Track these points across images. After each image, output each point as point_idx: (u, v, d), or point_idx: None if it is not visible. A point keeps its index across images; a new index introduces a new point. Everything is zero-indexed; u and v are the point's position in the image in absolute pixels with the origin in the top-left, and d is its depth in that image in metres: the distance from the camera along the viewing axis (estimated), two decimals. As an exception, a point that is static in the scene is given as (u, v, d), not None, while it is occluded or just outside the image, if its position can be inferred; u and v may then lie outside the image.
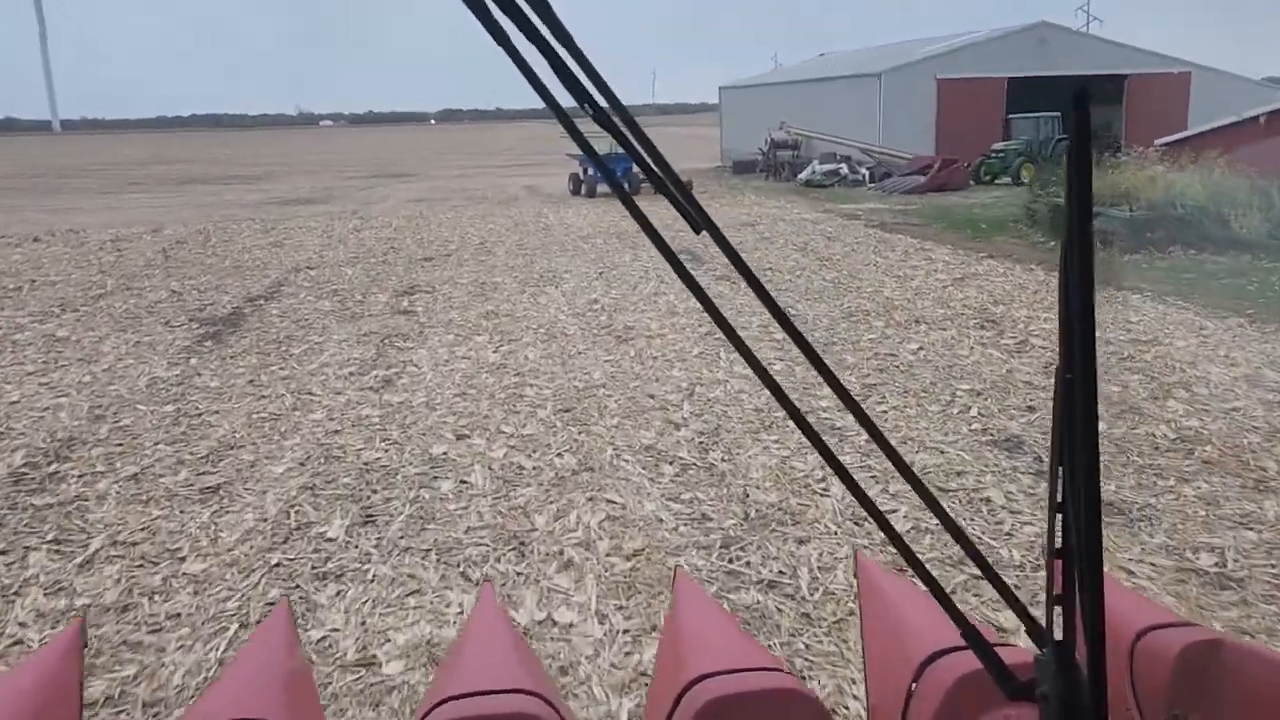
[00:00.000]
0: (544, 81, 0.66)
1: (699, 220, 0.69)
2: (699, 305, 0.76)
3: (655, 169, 0.69)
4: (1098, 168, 21.41)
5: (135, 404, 7.12)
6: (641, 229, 0.74)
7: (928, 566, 0.74)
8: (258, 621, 3.97)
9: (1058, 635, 0.70)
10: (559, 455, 5.78)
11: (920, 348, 8.10)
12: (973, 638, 0.75)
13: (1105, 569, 0.63)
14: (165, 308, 11.01)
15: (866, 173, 24.80)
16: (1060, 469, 0.65)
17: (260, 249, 16.23)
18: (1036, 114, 23.12)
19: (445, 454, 5.87)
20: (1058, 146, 22.54)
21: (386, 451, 5.95)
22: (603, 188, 25.22)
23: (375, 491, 5.33)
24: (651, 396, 6.93)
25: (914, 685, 1.03)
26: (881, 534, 1.34)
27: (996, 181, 22.75)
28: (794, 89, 31.14)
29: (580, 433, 6.19)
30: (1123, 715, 1.03)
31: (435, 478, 5.50)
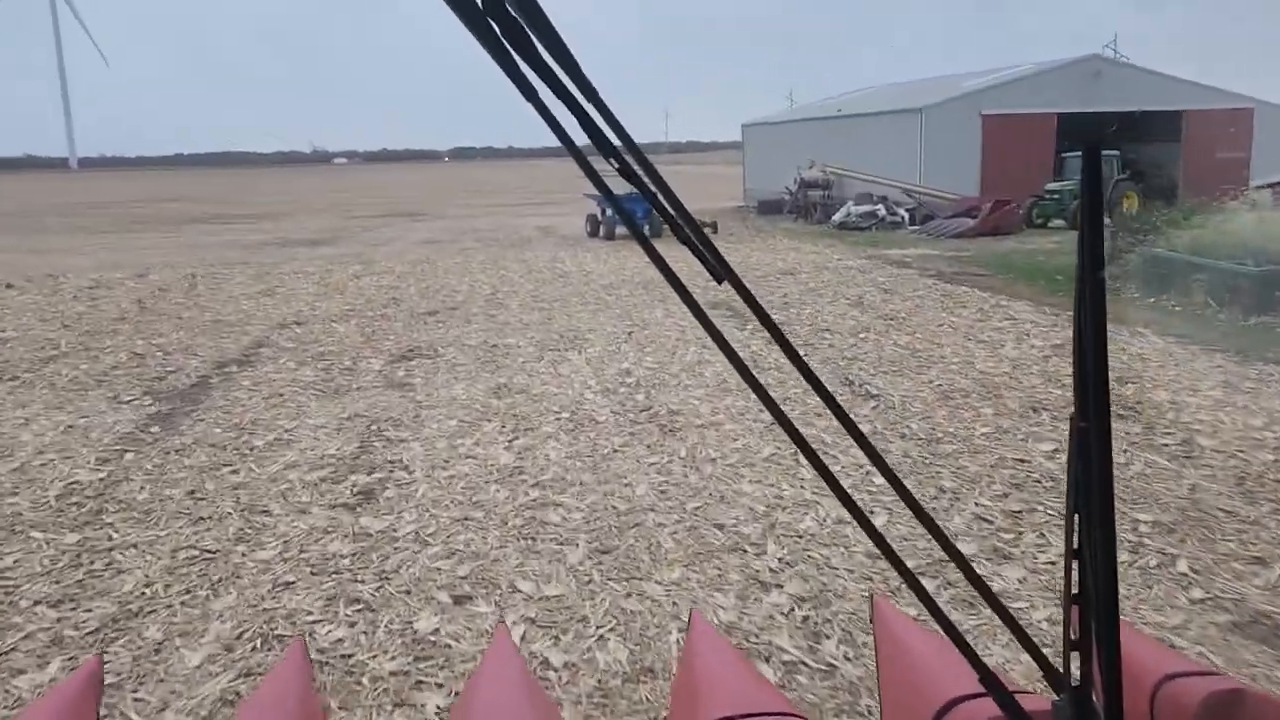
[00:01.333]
0: (563, 126, 0.65)
1: (719, 270, 0.68)
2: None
3: (674, 215, 0.66)
4: (1163, 210, 19.72)
5: (29, 530, 5.36)
6: (663, 276, 0.73)
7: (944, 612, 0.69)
8: None
9: (1074, 681, 0.69)
10: (600, 640, 3.98)
11: (1056, 449, 6.29)
12: (990, 682, 0.72)
13: (1124, 617, 0.79)
14: (120, 376, 9.31)
15: (906, 214, 23.12)
16: (1076, 516, 0.65)
17: (248, 298, 14.57)
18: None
19: (436, 634, 4.08)
20: (1117, 188, 20.84)
21: (353, 627, 4.16)
22: (622, 230, 23.61)
23: (326, 712, 3.54)
24: (719, 528, 5.15)
25: None
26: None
27: (1050, 225, 21.03)
28: (823, 125, 29.54)
29: (628, 594, 4.40)
30: None
31: (418, 684, 3.71)
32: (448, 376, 8.94)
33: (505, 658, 1.37)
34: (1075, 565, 0.68)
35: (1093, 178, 0.58)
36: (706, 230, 20.90)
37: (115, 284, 16.91)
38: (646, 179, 0.67)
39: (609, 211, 23.55)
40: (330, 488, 5.94)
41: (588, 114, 0.63)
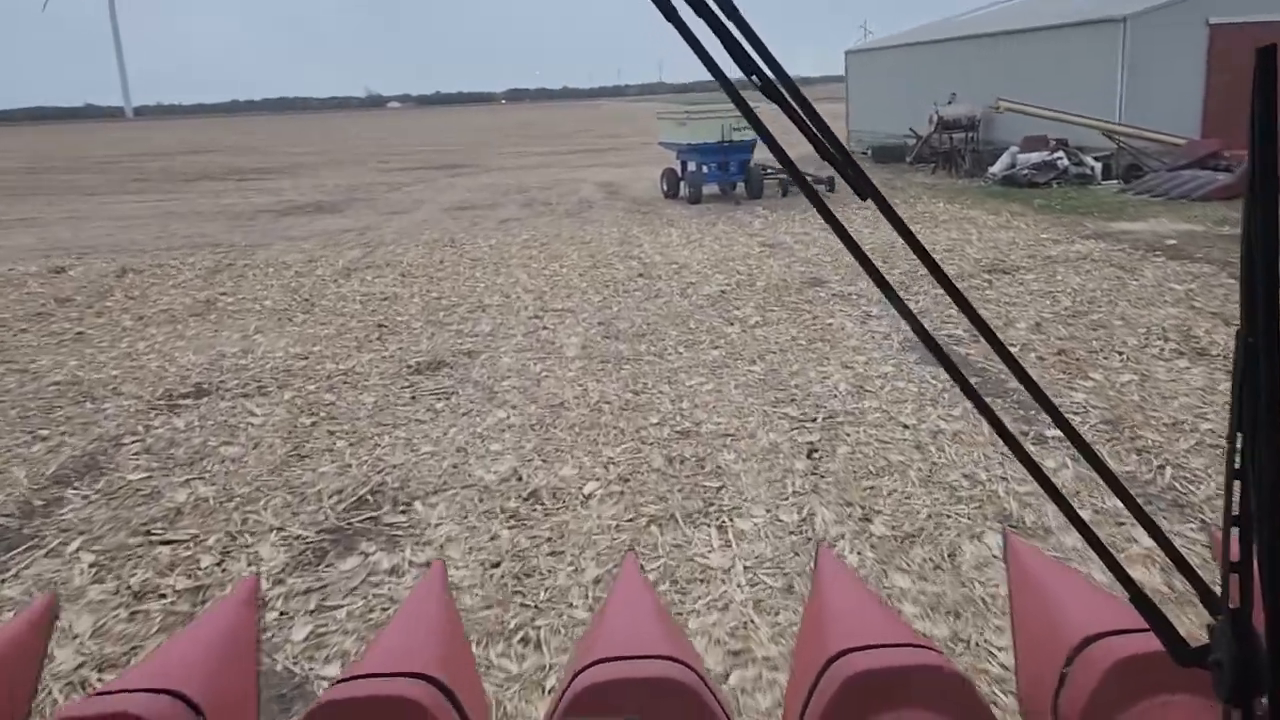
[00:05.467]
0: (705, 47, 0.62)
1: (864, 188, 0.66)
2: None
3: (819, 136, 0.65)
4: None
5: None
6: (850, 252, 0.69)
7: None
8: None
9: (1233, 604, 0.65)
10: None
11: None
12: (1142, 602, 0.69)
13: None
14: None
15: (1097, 164, 17.12)
16: (1239, 435, 0.61)
17: (160, 323, 9.41)
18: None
19: None
20: None
21: None
22: (709, 190, 18.02)
23: None
24: None
25: (1066, 670, 0.99)
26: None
27: None
28: (962, 48, 23.24)
29: None
30: None
31: None
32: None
33: (635, 585, 1.35)
34: (1236, 486, 0.62)
35: (1265, 82, 0.52)
36: (821, 188, 15.09)
37: (18, 282, 11.91)
38: (794, 103, 0.62)
39: (695, 165, 17.99)
40: None
41: (735, 38, 0.59)
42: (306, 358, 7.86)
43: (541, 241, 13.80)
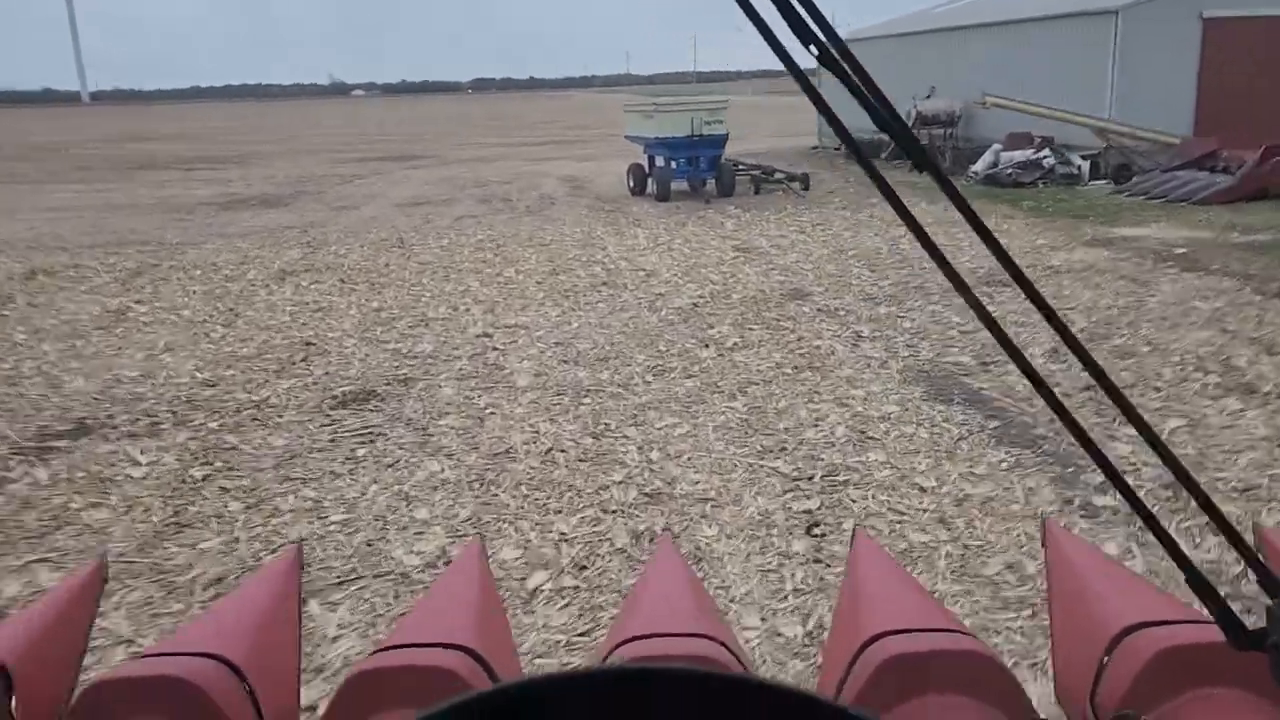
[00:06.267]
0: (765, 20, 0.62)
1: (921, 160, 0.65)
2: None
3: (879, 108, 0.63)
4: None
5: None
6: (924, 247, 0.65)
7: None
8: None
9: None
10: None
11: None
12: (1199, 584, 0.67)
13: None
14: None
15: (1085, 164, 16.31)
16: None
17: (57, 340, 8.27)
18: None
19: None
20: None
21: None
22: (678, 186, 17.01)
23: None
24: None
25: (1105, 660, 0.98)
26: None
27: None
28: (942, 41, 22.40)
29: None
30: None
31: None
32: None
33: (671, 563, 1.34)
34: None
35: None
36: (795, 186, 14.20)
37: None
38: (853, 74, 0.61)
39: (662, 161, 16.98)
40: None
41: (793, 7, 0.59)
42: (216, 384, 6.77)
43: (497, 243, 12.73)
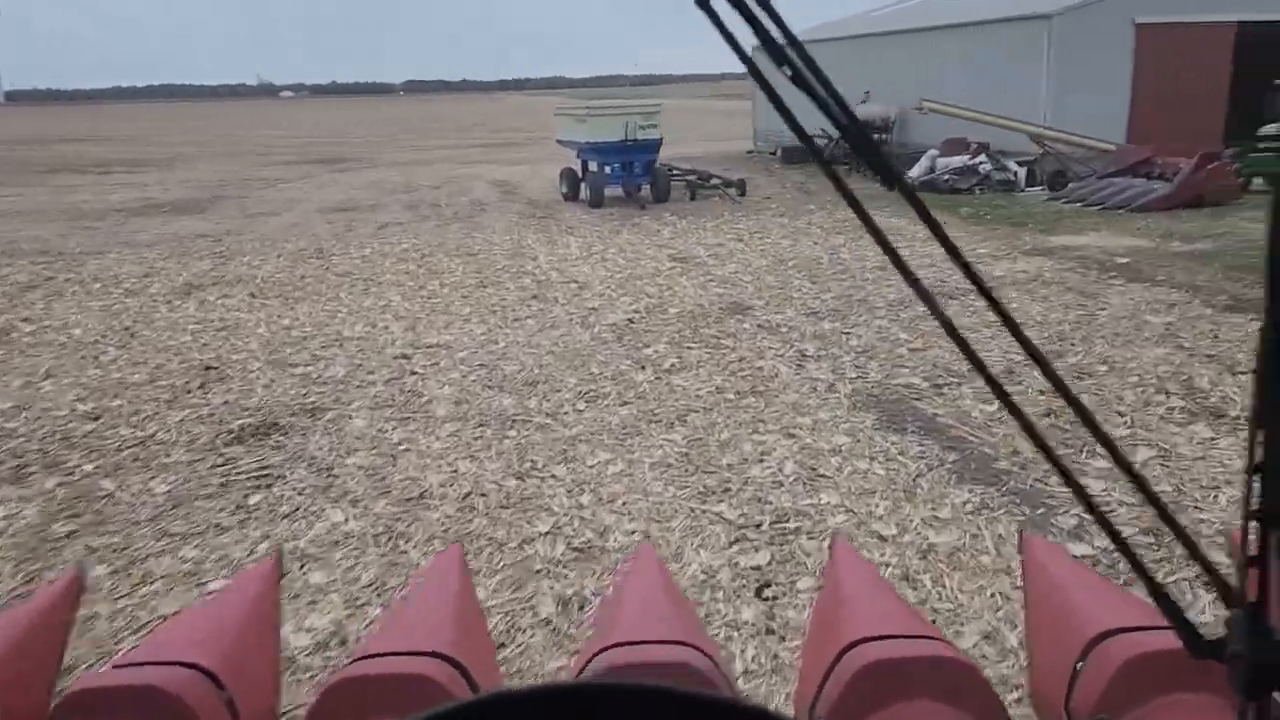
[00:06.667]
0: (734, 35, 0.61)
1: (891, 177, 0.63)
2: None
3: (849, 126, 0.62)
4: None
5: None
6: (894, 265, 0.62)
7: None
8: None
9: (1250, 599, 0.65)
10: None
11: None
12: (1161, 597, 0.67)
13: None
14: None
15: (1021, 170, 16.19)
16: (1260, 431, 0.59)
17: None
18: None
19: None
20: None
21: None
22: (613, 192, 16.51)
23: None
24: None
25: (1079, 666, 0.99)
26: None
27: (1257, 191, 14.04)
28: (877, 45, 22.20)
29: None
30: None
31: None
32: None
33: (651, 570, 1.32)
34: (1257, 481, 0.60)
35: None
36: (731, 192, 13.91)
37: None
38: (813, 81, 0.59)
39: (595, 166, 16.49)
40: None
41: (757, 19, 0.57)
42: (99, 417, 6.09)
43: (423, 252, 12.10)
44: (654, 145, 16.14)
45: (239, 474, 5.10)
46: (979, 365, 0.64)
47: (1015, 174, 16.17)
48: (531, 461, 5.12)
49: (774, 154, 25.03)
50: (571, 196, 17.14)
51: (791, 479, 4.77)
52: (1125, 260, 10.04)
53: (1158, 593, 0.67)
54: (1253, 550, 0.62)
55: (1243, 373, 6.20)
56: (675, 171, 17.16)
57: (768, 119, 27.87)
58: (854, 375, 6.49)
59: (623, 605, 1.23)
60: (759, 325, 7.96)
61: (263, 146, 38.54)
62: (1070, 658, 1.00)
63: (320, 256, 12.00)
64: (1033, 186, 15.94)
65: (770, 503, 4.50)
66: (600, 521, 4.37)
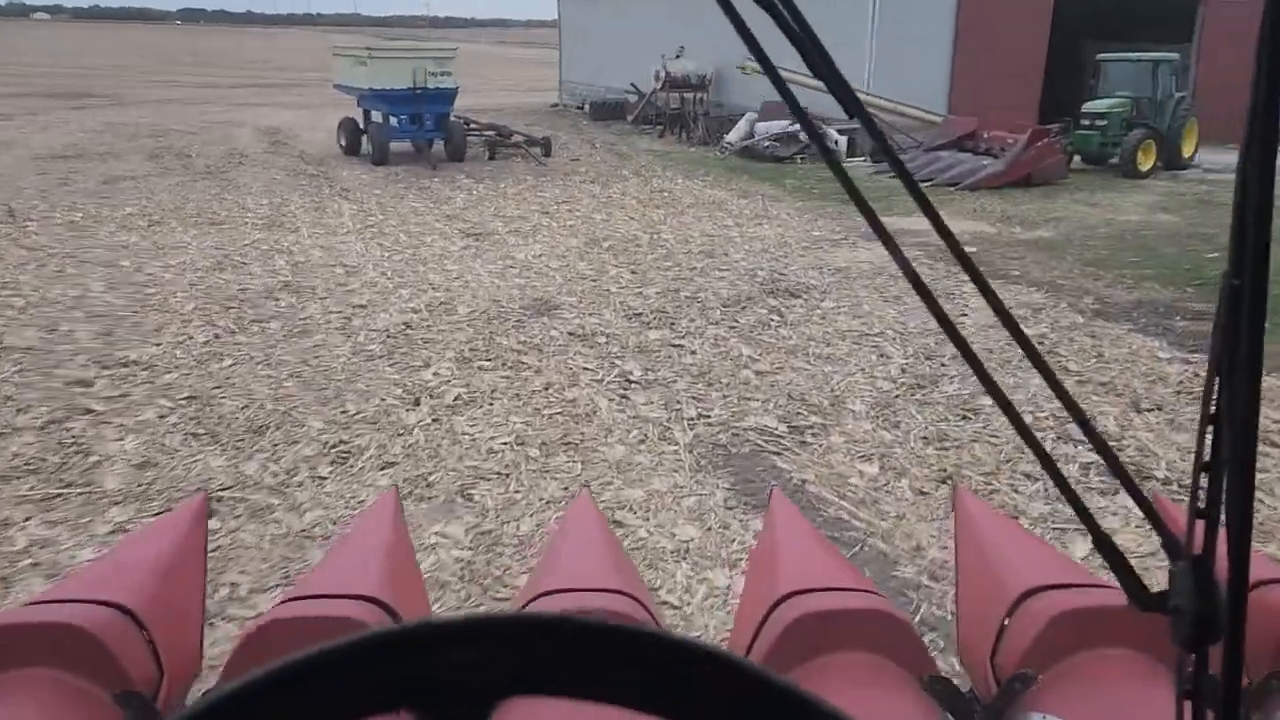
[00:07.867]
0: None
1: (851, 105, 0.61)
2: None
3: (817, 55, 0.59)
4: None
5: None
6: (893, 257, 0.60)
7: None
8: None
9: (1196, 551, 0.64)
10: None
11: None
12: (1106, 547, 0.65)
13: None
14: None
15: (842, 139, 15.25)
16: (1217, 380, 0.59)
17: None
18: (1143, 53, 13.84)
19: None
20: (1177, 115, 13.72)
21: None
22: (400, 148, 14.42)
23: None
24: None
25: (1006, 621, 1.01)
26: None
27: (1089, 165, 13.54)
28: (692, -2, 20.79)
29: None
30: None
31: None
32: None
33: (587, 518, 1.33)
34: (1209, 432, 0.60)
35: (1275, 15, 0.50)
36: (536, 151, 12.16)
37: None
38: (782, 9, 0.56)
39: (379, 116, 14.39)
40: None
41: None
42: None
43: (151, 219, 9.77)
44: (448, 95, 14.17)
45: None
46: (1005, 405, 0.62)
47: (836, 144, 15.21)
48: (234, 585, 3.36)
49: (581, 108, 23.40)
50: (352, 150, 14.94)
51: (623, 615, 3.25)
52: (972, 250, 9.09)
53: (1103, 542, 0.65)
54: (1201, 504, 0.59)
55: (1149, 410, 5.17)
56: (472, 126, 15.25)
57: (575, 70, 26.12)
58: (694, 413, 5.05)
59: (560, 552, 1.26)
60: (570, 333, 6.38)
61: (-7, 74, 33.29)
62: (998, 613, 1.03)
63: (11, 220, 9.44)
64: (854, 158, 15.03)
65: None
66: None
